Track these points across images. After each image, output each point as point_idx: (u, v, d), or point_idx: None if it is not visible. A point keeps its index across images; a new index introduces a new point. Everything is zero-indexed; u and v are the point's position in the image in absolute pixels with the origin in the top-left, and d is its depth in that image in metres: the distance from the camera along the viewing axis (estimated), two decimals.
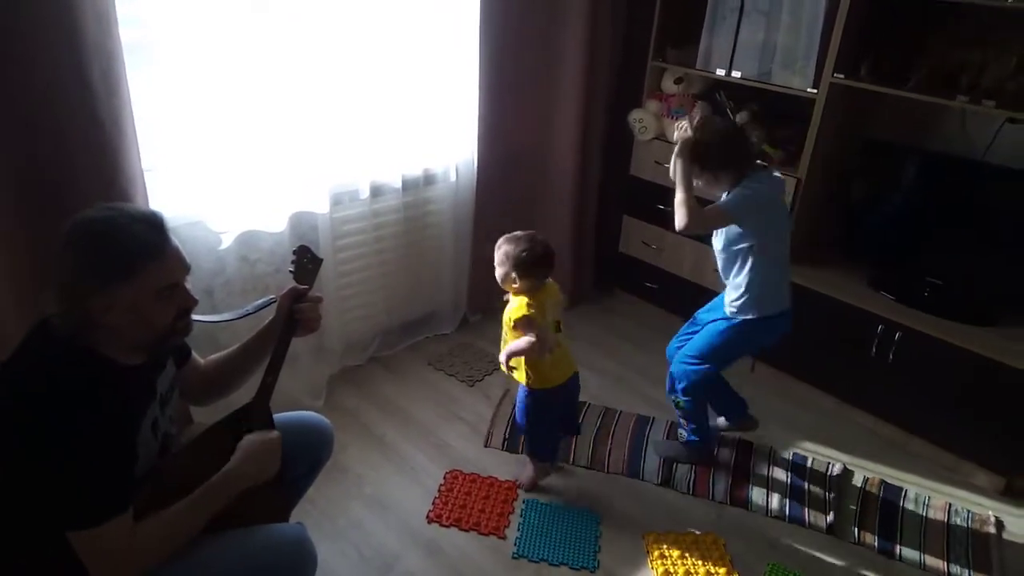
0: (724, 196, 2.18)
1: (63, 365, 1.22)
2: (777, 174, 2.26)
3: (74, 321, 1.23)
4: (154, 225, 1.26)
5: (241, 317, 1.56)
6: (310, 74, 2.36)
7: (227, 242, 2.31)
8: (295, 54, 2.29)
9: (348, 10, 2.42)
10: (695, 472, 2.45)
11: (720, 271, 2.31)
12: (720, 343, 2.29)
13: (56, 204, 1.90)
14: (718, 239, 2.26)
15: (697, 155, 2.15)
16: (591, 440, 2.58)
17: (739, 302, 2.24)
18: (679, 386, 2.36)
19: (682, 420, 2.48)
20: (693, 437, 2.46)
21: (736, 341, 2.28)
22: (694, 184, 2.17)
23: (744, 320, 2.25)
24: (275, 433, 1.48)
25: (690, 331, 2.47)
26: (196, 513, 1.32)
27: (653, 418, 2.71)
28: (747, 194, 2.12)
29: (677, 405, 2.44)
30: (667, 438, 2.62)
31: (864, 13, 2.54)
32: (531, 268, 2.08)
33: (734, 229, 2.17)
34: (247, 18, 2.16)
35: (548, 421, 2.26)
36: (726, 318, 2.29)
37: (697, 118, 2.15)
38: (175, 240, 1.30)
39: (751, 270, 2.19)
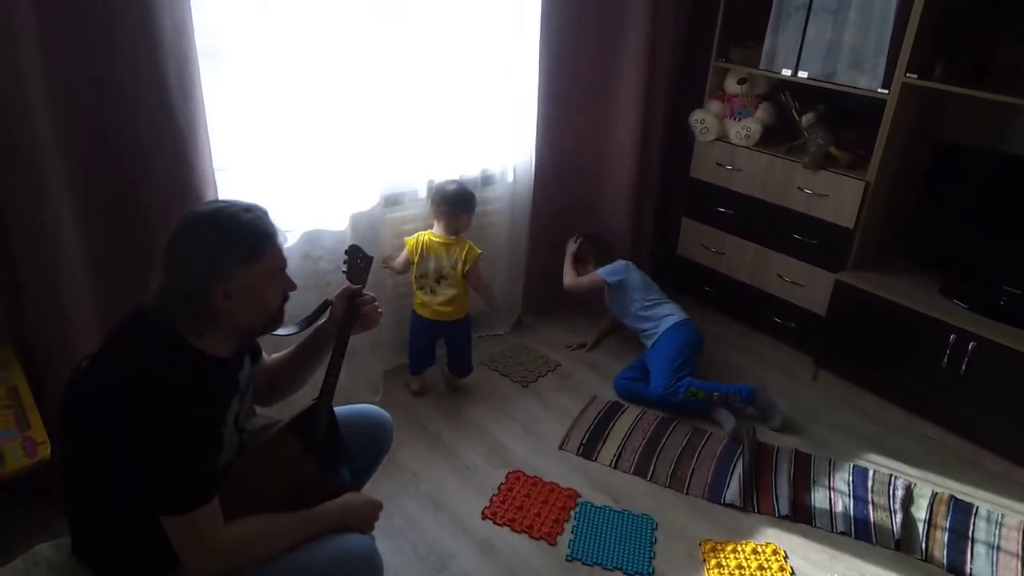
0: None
1: (167, 354, 1.26)
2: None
3: (190, 312, 1.28)
4: (263, 211, 1.35)
5: (303, 329, 1.60)
6: (372, 77, 2.40)
7: (292, 240, 2.36)
8: (357, 58, 2.33)
9: (410, 13, 2.45)
10: (758, 488, 2.38)
11: None
12: None
13: (133, 202, 1.98)
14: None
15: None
16: (675, 458, 2.51)
17: None
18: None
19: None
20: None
21: None
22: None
23: None
24: (379, 502, 1.58)
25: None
26: (299, 534, 1.38)
27: (743, 447, 2.50)
28: None
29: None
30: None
31: (939, 10, 2.45)
32: (432, 205, 2.61)
33: None
34: (311, 25, 2.21)
35: (412, 340, 2.73)
36: None
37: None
38: None
39: None
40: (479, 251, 2.62)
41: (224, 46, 2.12)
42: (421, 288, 2.62)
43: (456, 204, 2.56)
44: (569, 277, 3.03)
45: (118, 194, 1.96)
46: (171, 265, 1.28)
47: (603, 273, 2.97)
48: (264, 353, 1.65)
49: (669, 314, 2.90)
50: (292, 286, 1.41)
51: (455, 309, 2.63)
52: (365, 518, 1.54)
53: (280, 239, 1.36)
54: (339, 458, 1.60)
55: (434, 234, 2.60)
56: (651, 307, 2.94)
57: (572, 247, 3.09)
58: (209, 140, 2.03)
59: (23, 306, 1.89)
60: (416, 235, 2.63)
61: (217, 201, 1.35)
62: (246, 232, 1.29)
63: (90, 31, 1.79)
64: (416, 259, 2.60)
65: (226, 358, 1.36)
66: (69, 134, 1.85)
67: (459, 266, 2.57)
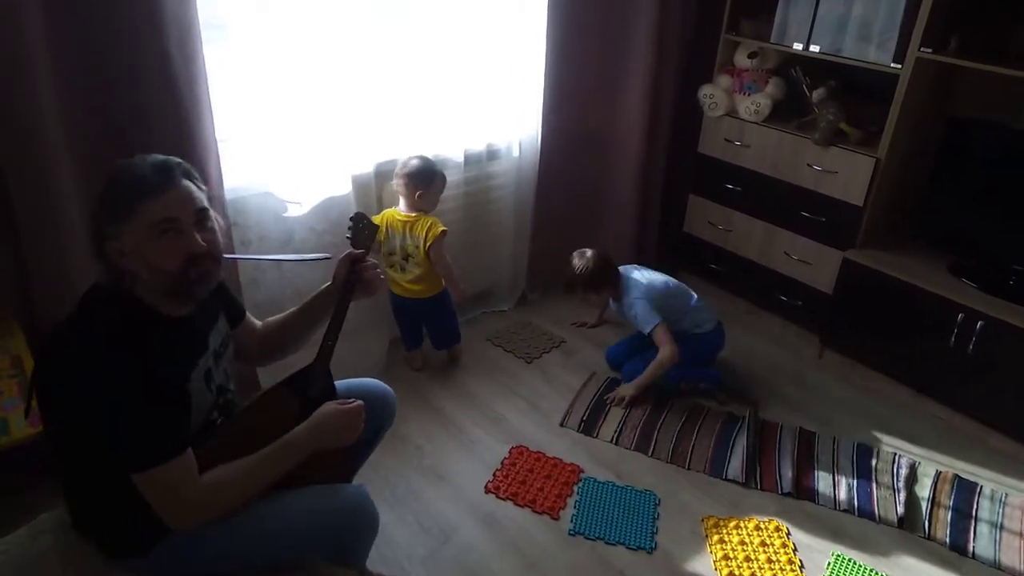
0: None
1: (108, 316, 1.26)
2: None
3: (105, 271, 1.27)
4: (160, 166, 1.26)
5: (293, 261, 1.58)
6: (377, 49, 2.37)
7: (295, 213, 2.34)
8: (362, 31, 2.30)
9: None
10: (761, 464, 2.38)
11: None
12: None
13: None
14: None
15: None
16: (675, 433, 2.50)
17: None
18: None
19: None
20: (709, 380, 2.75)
21: None
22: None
23: None
24: (358, 402, 1.49)
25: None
26: (267, 469, 1.35)
27: (742, 418, 2.55)
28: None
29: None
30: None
31: None
32: (395, 179, 2.51)
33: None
34: None
35: (395, 317, 2.73)
36: None
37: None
38: (189, 184, 1.28)
39: None
40: (442, 228, 2.48)
41: (227, 17, 2.09)
42: (391, 266, 2.57)
43: (413, 179, 2.45)
44: (668, 347, 2.57)
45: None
46: None
47: (658, 315, 2.60)
48: (251, 316, 1.64)
49: (706, 320, 2.75)
50: (196, 246, 1.26)
51: (425, 287, 2.58)
52: (344, 429, 1.46)
53: (172, 194, 1.24)
54: None
55: (397, 211, 2.52)
56: (698, 315, 2.75)
57: (593, 298, 2.77)
58: (212, 109, 2.01)
59: (27, 277, 1.89)
60: (383, 212, 2.57)
61: (138, 156, 1.28)
62: (122, 187, 1.23)
63: (91, 1, 1.76)
64: (383, 237, 2.54)
65: (185, 317, 1.34)
66: (71, 104, 1.83)
67: (421, 244, 2.48)
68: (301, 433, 1.40)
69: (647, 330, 2.61)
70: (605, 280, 2.70)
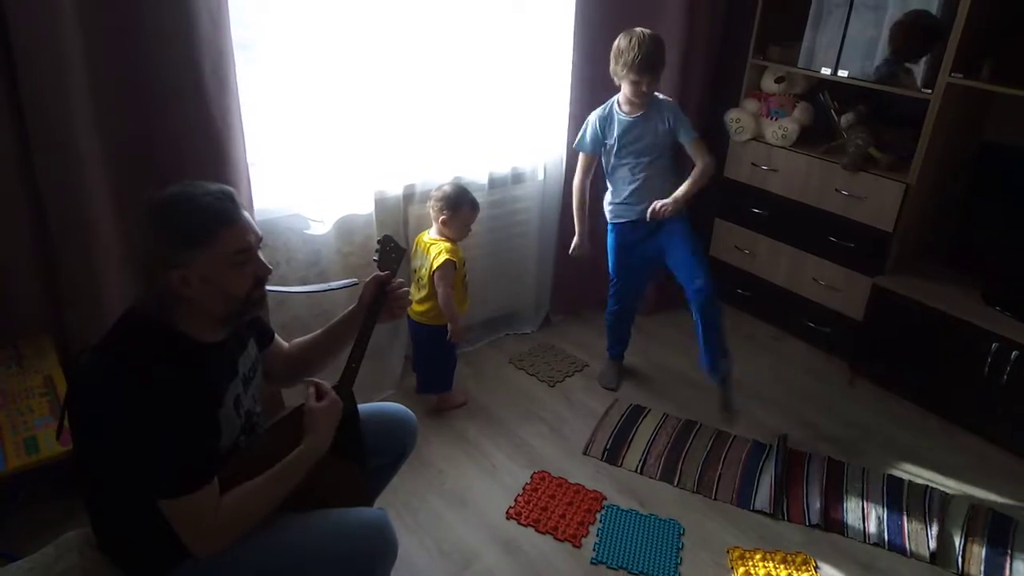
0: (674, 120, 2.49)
1: (143, 343, 1.26)
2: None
3: (156, 298, 1.27)
4: (224, 195, 1.28)
5: (323, 291, 1.59)
6: (403, 73, 2.41)
7: (318, 231, 2.37)
8: (388, 54, 2.34)
9: (442, 8, 2.44)
10: (788, 495, 2.34)
11: (648, 184, 2.56)
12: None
13: None
14: (658, 155, 2.53)
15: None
16: (700, 462, 2.46)
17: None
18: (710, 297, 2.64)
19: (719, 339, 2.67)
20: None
21: None
22: None
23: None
24: (333, 397, 1.48)
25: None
26: (277, 487, 1.36)
27: (769, 446, 2.52)
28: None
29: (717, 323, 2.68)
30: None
31: (988, 6, 2.37)
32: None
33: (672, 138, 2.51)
34: (342, 20, 2.21)
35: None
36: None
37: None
38: (245, 212, 1.31)
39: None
40: (447, 259, 2.38)
41: (256, 40, 2.13)
42: (414, 283, 2.55)
43: (439, 202, 2.44)
44: (711, 157, 2.51)
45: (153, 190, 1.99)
46: (135, 251, 1.29)
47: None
48: (279, 337, 1.65)
49: None
50: (265, 270, 1.33)
51: (426, 312, 2.49)
52: (319, 426, 1.44)
53: (243, 222, 1.28)
54: (358, 440, 1.58)
55: (428, 234, 2.52)
56: None
57: (652, 85, 2.45)
58: (243, 133, 2.04)
59: (60, 295, 1.93)
60: (420, 233, 2.57)
61: (181, 183, 1.29)
62: (199, 216, 1.24)
63: (125, 25, 1.81)
64: (414, 254, 2.56)
65: (218, 343, 1.35)
66: (106, 125, 1.87)
67: (428, 268, 2.43)
68: (296, 451, 1.40)
69: (694, 135, 2.49)
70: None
